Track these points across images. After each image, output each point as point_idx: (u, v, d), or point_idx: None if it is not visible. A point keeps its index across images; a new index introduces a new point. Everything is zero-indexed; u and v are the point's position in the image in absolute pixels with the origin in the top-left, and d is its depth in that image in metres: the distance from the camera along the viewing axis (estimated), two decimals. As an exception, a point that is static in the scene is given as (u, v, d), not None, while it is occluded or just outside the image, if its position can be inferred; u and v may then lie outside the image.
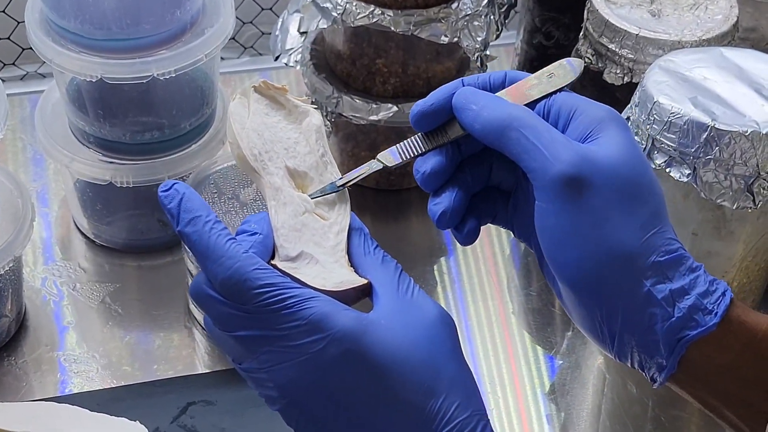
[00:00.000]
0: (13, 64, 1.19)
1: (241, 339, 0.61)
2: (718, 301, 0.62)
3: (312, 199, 0.66)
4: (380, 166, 0.68)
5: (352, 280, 0.63)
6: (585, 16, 0.95)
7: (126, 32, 0.89)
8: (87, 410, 0.85)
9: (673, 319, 0.61)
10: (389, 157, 0.68)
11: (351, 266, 0.65)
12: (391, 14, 0.95)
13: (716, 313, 0.62)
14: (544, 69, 0.67)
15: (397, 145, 0.67)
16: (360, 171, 0.67)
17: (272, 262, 0.63)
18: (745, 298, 0.90)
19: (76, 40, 0.90)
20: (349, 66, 1.02)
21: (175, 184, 0.63)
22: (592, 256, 0.62)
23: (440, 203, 0.66)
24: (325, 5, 0.97)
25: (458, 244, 1.05)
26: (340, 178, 0.67)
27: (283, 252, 0.64)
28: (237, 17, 1.19)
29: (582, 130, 0.64)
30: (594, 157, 0.62)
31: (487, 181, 0.69)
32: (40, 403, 0.86)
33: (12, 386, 0.91)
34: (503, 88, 0.67)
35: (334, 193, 0.67)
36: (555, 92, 0.66)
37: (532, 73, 1.15)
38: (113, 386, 0.92)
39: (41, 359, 0.94)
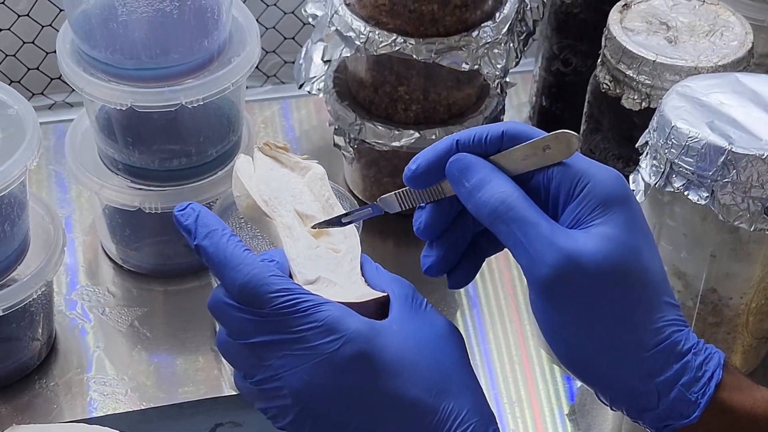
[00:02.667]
0: (42, 93, 1.22)
1: (256, 346, 0.63)
2: (703, 389, 0.63)
3: (316, 227, 0.69)
4: (381, 212, 0.69)
5: (371, 293, 0.66)
6: (603, 43, 0.97)
7: (155, 62, 0.91)
8: (117, 431, 0.87)
9: (658, 410, 0.63)
10: (389, 203, 0.68)
11: (368, 286, 0.68)
12: (413, 42, 0.97)
13: (699, 405, 0.63)
14: (540, 139, 0.64)
15: (397, 192, 0.68)
16: (364, 212, 0.70)
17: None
18: (763, 319, 0.92)
19: (106, 70, 0.92)
20: (372, 93, 1.04)
21: (190, 204, 0.66)
22: (579, 350, 0.63)
23: (429, 256, 0.68)
24: (348, 34, 0.99)
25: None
26: (347, 215, 0.70)
27: (302, 277, 0.66)
28: (261, 46, 1.22)
29: (579, 213, 0.63)
30: (580, 254, 0.61)
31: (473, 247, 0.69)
32: (72, 425, 0.88)
33: (43, 408, 0.93)
34: (498, 148, 0.65)
35: (342, 227, 0.70)
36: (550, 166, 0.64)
37: (551, 100, 1.16)
38: (142, 408, 0.93)
39: (71, 382, 0.95)
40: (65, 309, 1.01)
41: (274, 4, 1.22)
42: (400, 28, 0.98)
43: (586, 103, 1.01)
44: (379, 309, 0.66)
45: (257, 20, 1.15)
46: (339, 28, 1.00)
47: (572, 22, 1.08)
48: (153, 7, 0.88)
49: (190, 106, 0.92)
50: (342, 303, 0.64)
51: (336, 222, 0.70)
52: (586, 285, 0.61)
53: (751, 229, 0.83)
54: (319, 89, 1.08)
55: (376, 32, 0.98)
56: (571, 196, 0.63)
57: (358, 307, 0.64)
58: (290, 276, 0.66)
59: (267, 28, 1.23)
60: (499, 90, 1.04)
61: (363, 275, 0.68)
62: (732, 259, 0.87)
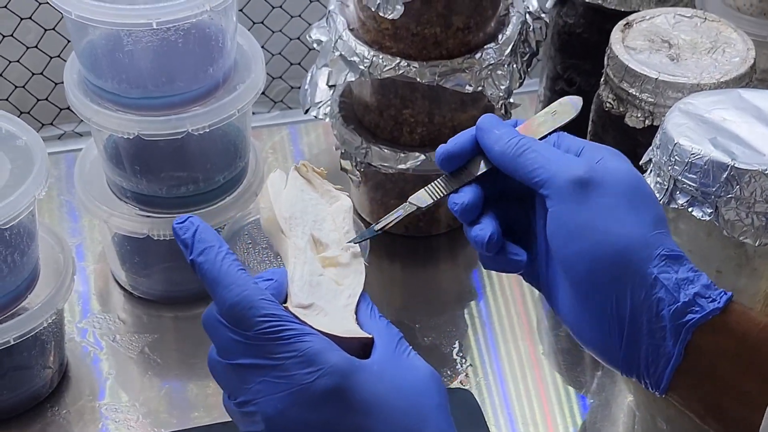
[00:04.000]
0: (51, 123, 1.23)
1: (240, 368, 0.63)
2: (720, 293, 0.67)
3: (351, 243, 0.70)
4: (414, 209, 0.72)
5: (357, 331, 0.66)
6: (606, 63, 0.97)
7: (161, 90, 0.92)
8: (129, 457, 0.88)
9: (679, 303, 0.66)
10: (421, 198, 0.72)
11: (357, 324, 0.68)
12: (417, 66, 0.98)
13: (719, 301, 0.66)
14: (547, 108, 0.74)
15: (425, 187, 0.72)
16: (395, 215, 0.72)
17: (285, 305, 0.66)
18: (771, 333, 0.92)
19: (113, 99, 0.93)
20: (377, 117, 1.05)
21: (189, 217, 0.67)
22: (602, 246, 0.67)
23: (485, 228, 0.70)
24: (352, 59, 1.00)
25: (487, 288, 1.08)
26: (377, 223, 0.71)
27: (296, 299, 0.67)
28: (267, 73, 1.23)
29: (590, 159, 0.70)
30: (603, 167, 0.69)
31: (505, 222, 0.72)
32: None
33: (59, 438, 0.94)
34: (515, 125, 0.73)
35: (353, 259, 0.70)
36: (561, 128, 0.73)
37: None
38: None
39: (83, 409, 0.96)
40: (77, 336, 1.02)
41: (280, 31, 1.23)
42: (404, 52, 0.99)
43: (590, 122, 1.01)
44: (360, 350, 0.66)
45: (263, 47, 1.16)
46: (343, 53, 1.00)
47: (575, 42, 1.09)
48: (158, 37, 0.89)
49: (196, 134, 0.93)
50: (326, 333, 0.64)
51: (370, 232, 0.71)
52: (609, 186, 0.68)
53: (756, 245, 0.84)
54: (325, 114, 1.09)
55: (380, 56, 0.99)
56: (581, 153, 0.70)
57: (341, 342, 0.65)
58: (286, 297, 0.67)
59: (273, 54, 1.24)
60: (503, 111, 1.04)
61: (356, 313, 0.68)
62: (738, 274, 0.87)
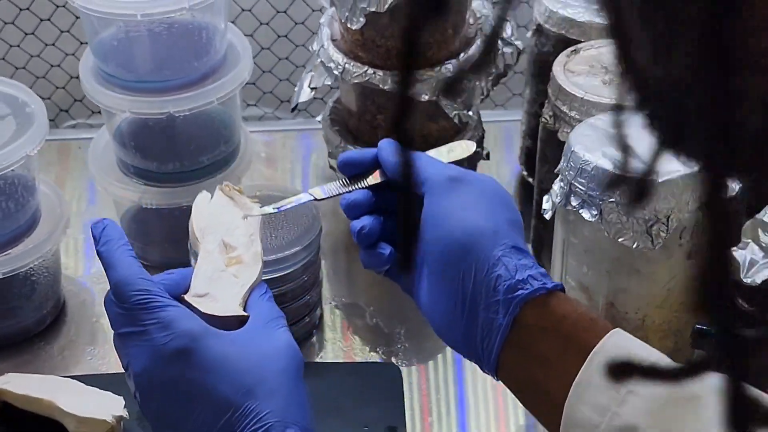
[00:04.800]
0: (98, 112, 1.39)
1: (123, 336, 0.77)
2: (552, 282, 0.77)
3: (257, 215, 0.86)
4: (310, 198, 0.87)
5: (235, 311, 0.79)
6: (549, 83, 1.07)
7: (151, 76, 1.07)
8: (82, 384, 1.01)
9: (513, 280, 0.76)
10: (318, 192, 0.87)
11: (243, 307, 0.80)
12: (381, 74, 1.11)
13: (548, 284, 0.77)
14: (446, 145, 0.91)
15: (325, 185, 0.87)
16: (294, 202, 0.87)
17: (182, 296, 0.80)
18: (664, 337, 0.99)
19: (114, 82, 1.09)
20: (357, 121, 1.18)
21: (103, 219, 0.81)
22: (457, 229, 0.79)
23: (360, 222, 0.84)
24: (329, 65, 1.13)
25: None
26: (278, 204, 0.87)
27: (193, 291, 0.80)
28: (290, 81, 1.37)
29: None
30: (474, 175, 0.85)
31: (392, 232, 0.85)
32: (44, 376, 1.03)
33: (38, 366, 1.09)
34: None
35: (253, 257, 0.84)
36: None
37: (533, 140, 1.27)
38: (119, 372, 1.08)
39: (68, 346, 1.11)
40: (78, 287, 1.17)
41: (303, 45, 1.37)
42: (373, 62, 1.11)
43: (539, 139, 1.12)
44: (239, 326, 0.78)
45: (287, 59, 1.31)
46: (323, 60, 1.14)
47: (547, 68, 1.18)
48: (146, 28, 1.04)
49: (179, 116, 1.07)
50: (209, 314, 0.78)
51: (271, 208, 0.87)
52: (476, 186, 0.82)
53: (634, 247, 0.92)
54: (324, 120, 1.22)
55: (351, 64, 1.12)
56: None
57: (219, 320, 0.77)
58: (188, 290, 0.80)
59: (296, 66, 1.38)
60: (458, 121, 1.15)
61: (248, 298, 0.81)
62: (624, 275, 0.95)
